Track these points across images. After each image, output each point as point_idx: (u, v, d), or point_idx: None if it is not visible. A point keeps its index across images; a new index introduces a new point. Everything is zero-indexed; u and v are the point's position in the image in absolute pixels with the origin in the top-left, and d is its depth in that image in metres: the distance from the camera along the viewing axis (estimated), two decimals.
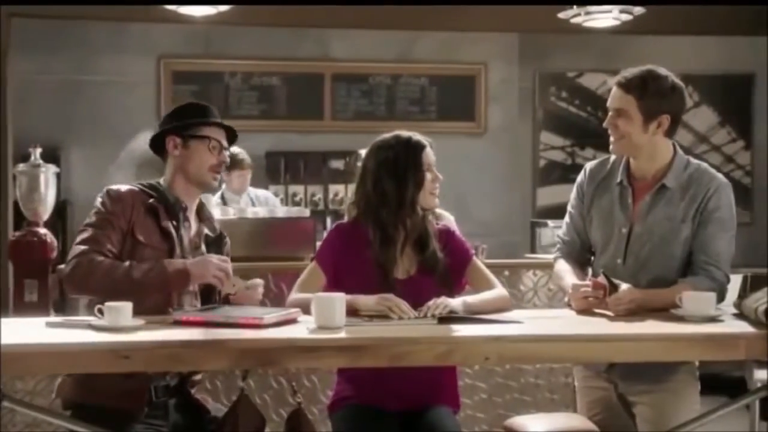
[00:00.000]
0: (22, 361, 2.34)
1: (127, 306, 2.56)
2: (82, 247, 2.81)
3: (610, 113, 3.06)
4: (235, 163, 5.60)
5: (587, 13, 4.63)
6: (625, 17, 4.74)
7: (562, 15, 4.79)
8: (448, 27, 7.69)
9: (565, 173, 8.19)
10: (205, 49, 7.81)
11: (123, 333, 2.48)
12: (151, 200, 2.93)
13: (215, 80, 7.82)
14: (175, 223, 2.95)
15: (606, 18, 4.77)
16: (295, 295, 3.03)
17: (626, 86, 2.99)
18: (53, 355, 2.35)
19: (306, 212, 5.19)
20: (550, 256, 5.56)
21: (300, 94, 7.82)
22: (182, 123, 3.00)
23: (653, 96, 2.97)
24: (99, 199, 2.94)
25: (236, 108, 7.79)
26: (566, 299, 3.10)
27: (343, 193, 7.77)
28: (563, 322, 2.83)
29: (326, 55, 7.97)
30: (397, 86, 8.02)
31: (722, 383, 3.92)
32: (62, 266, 2.92)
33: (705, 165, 3.11)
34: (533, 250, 6.30)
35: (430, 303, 2.83)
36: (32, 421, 3.68)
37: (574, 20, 4.76)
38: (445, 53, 8.04)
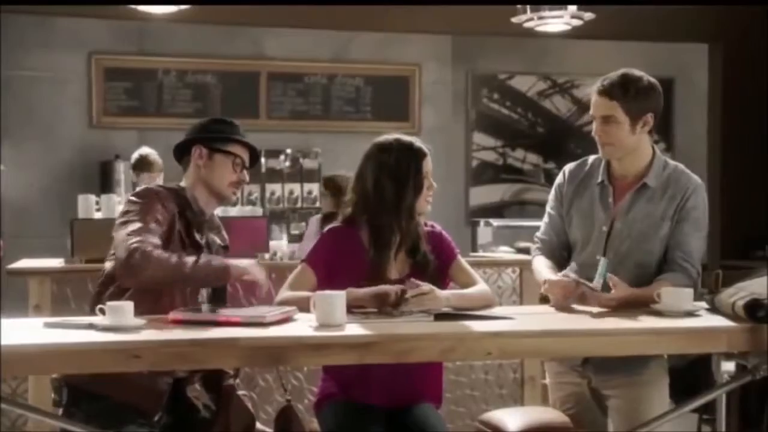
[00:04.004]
0: (30, 361, 2.32)
1: (129, 305, 2.54)
2: (134, 239, 2.78)
3: (596, 121, 3.13)
4: (144, 165, 5.58)
5: (540, 18, 4.74)
6: (576, 22, 4.88)
7: (514, 19, 4.89)
8: (383, 28, 7.75)
9: (496, 173, 8.34)
10: (138, 45, 7.69)
11: (127, 332, 2.46)
12: (186, 212, 2.96)
13: (148, 77, 7.71)
14: (200, 235, 2.99)
15: (557, 23, 4.90)
16: (285, 294, 3.03)
17: (608, 93, 3.07)
18: (63, 354, 2.32)
19: (259, 211, 5.19)
20: (492, 255, 5.71)
21: (235, 93, 7.78)
22: (212, 135, 3.05)
23: (635, 97, 3.07)
24: (141, 196, 2.92)
25: (170, 106, 7.71)
26: (542, 290, 3.18)
27: (280, 191, 7.77)
28: (554, 317, 2.91)
29: (262, 54, 7.94)
30: (332, 86, 8.05)
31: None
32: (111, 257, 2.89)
33: (682, 166, 3.24)
34: (474, 249, 6.40)
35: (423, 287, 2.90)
36: None
37: (526, 24, 4.87)
38: (380, 54, 8.11)
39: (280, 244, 5.69)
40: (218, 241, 3.11)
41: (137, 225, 2.82)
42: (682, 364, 4.81)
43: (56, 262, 4.82)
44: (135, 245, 2.75)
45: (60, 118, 7.54)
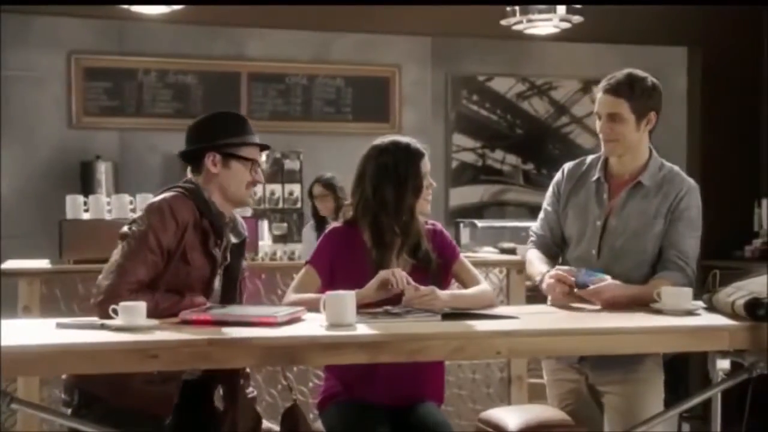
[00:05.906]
0: (46, 361, 2.32)
1: (142, 306, 2.54)
2: (111, 281, 2.72)
3: (602, 119, 3.21)
4: None
5: (529, 21, 4.79)
6: (564, 25, 4.94)
7: (503, 22, 4.94)
8: (363, 29, 7.77)
9: (476, 174, 8.38)
10: (118, 45, 7.65)
11: (140, 333, 2.46)
12: (203, 222, 2.87)
13: (129, 77, 7.67)
14: (219, 241, 2.90)
15: (546, 26, 4.95)
16: (292, 296, 3.05)
17: (615, 91, 3.16)
18: (80, 354, 2.33)
19: (248, 211, 5.17)
20: (477, 255, 5.74)
21: (216, 93, 7.75)
22: (224, 142, 2.93)
23: (641, 96, 3.17)
24: (153, 212, 2.82)
25: (150, 106, 7.67)
26: (537, 279, 3.23)
27: (261, 192, 7.75)
28: (557, 316, 2.96)
29: (243, 55, 7.93)
30: (313, 86, 8.06)
31: None
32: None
33: (677, 168, 3.33)
34: None
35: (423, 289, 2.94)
36: None
37: (515, 27, 4.92)
38: (360, 55, 8.12)
39: (263, 245, 5.70)
40: (233, 239, 3.02)
41: (126, 258, 2.74)
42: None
43: (44, 263, 4.79)
44: (112, 289, 2.69)
45: (39, 118, 7.48)
